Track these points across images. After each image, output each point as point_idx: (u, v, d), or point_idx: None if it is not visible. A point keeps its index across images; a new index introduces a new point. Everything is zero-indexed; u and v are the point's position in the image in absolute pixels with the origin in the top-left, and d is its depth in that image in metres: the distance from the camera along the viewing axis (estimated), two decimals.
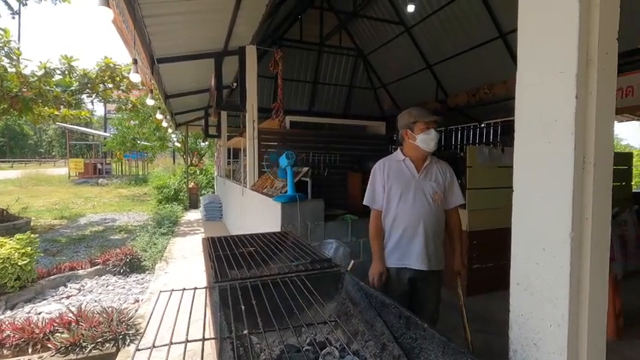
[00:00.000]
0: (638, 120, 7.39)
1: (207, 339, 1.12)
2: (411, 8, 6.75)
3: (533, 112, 0.85)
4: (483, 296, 3.87)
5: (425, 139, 2.02)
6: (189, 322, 1.20)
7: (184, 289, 1.53)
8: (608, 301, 2.92)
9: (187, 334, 1.11)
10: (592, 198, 0.79)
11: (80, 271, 4.76)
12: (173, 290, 1.52)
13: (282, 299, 1.48)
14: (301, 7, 8.92)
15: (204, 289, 1.62)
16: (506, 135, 8.58)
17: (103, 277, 4.78)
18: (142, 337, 1.11)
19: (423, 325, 1.21)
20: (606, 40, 0.78)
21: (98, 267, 4.91)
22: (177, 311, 1.30)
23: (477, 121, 9.40)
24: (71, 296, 4.14)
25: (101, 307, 3.42)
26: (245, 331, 1.17)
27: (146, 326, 1.22)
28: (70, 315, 3.09)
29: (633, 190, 6.58)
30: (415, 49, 8.45)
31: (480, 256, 3.93)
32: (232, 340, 1.11)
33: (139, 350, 1.04)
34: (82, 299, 4.01)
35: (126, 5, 2.78)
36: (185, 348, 1.04)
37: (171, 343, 1.06)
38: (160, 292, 1.49)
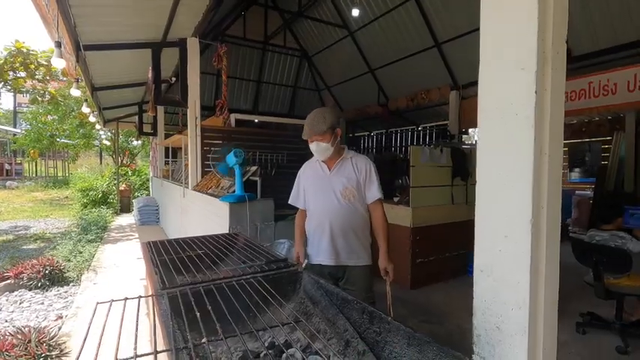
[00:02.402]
0: None
1: (160, 351, 1.00)
2: (355, 12, 6.94)
3: (495, 107, 0.90)
4: (426, 288, 4.09)
5: (313, 151, 2.12)
6: (136, 335, 1.07)
7: (126, 298, 1.37)
8: None
9: (135, 349, 0.98)
10: (547, 188, 0.85)
11: None
12: (113, 300, 1.35)
13: (239, 302, 1.39)
14: (245, 3, 8.69)
15: (149, 298, 1.46)
16: (440, 138, 9.25)
17: (16, 292, 4.14)
18: (78, 356, 0.96)
19: (387, 318, 1.22)
20: (558, 40, 0.85)
21: (8, 282, 4.25)
22: (121, 324, 1.15)
23: (415, 125, 9.99)
24: None
25: (14, 327, 2.95)
26: (203, 340, 1.07)
27: (83, 343, 1.05)
28: None
29: None
30: (358, 53, 8.71)
31: (422, 250, 4.14)
32: (190, 351, 1.01)
33: None
34: None
35: None
36: None
37: None
38: (97, 303, 1.31)
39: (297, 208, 2.32)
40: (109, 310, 1.24)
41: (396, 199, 4.45)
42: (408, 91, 8.22)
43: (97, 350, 0.96)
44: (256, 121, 8.20)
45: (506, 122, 0.87)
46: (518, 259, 0.85)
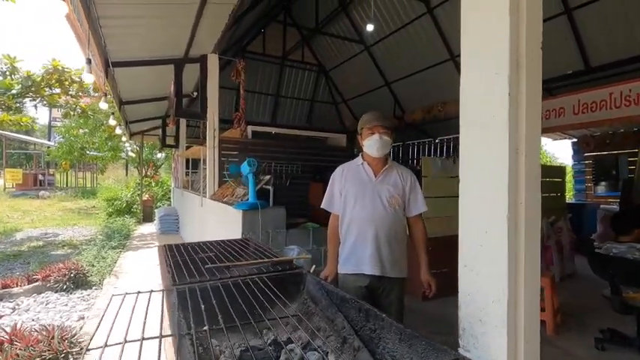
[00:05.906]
0: (569, 139, 8.23)
1: (165, 336, 1.08)
2: (370, 27, 7.09)
3: (474, 110, 0.96)
4: (439, 300, 4.01)
5: (369, 145, 2.04)
6: (144, 323, 1.16)
7: (139, 292, 1.47)
8: (548, 301, 3.14)
9: (143, 332, 1.07)
10: (524, 184, 0.89)
11: (15, 289, 4.32)
12: (127, 293, 1.45)
13: (244, 299, 1.46)
14: (265, 20, 9.05)
15: (160, 292, 1.56)
16: (457, 150, 9.18)
17: (43, 294, 4.37)
18: (91, 339, 1.05)
19: (382, 315, 1.26)
20: (532, 48, 0.90)
21: (37, 284, 4.49)
22: (131, 314, 1.25)
23: (432, 137, 9.95)
24: (3, 316, 3.74)
25: (40, 325, 3.12)
26: (205, 327, 1.14)
27: (96, 329, 1.15)
28: (3, 334, 2.79)
29: (567, 202, 7.26)
30: (374, 67, 8.85)
31: (435, 262, 4.08)
32: (192, 337, 1.09)
33: (88, 350, 0.99)
34: (17, 319, 3.63)
35: (80, 2, 2.67)
36: (141, 345, 1.00)
37: (126, 341, 1.02)
38: (113, 295, 1.42)
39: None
40: (121, 302, 1.34)
41: None
42: (424, 103, 8.23)
43: (109, 332, 1.05)
44: (273, 132, 8.40)
45: (485, 124, 0.93)
46: (496, 253, 0.89)
